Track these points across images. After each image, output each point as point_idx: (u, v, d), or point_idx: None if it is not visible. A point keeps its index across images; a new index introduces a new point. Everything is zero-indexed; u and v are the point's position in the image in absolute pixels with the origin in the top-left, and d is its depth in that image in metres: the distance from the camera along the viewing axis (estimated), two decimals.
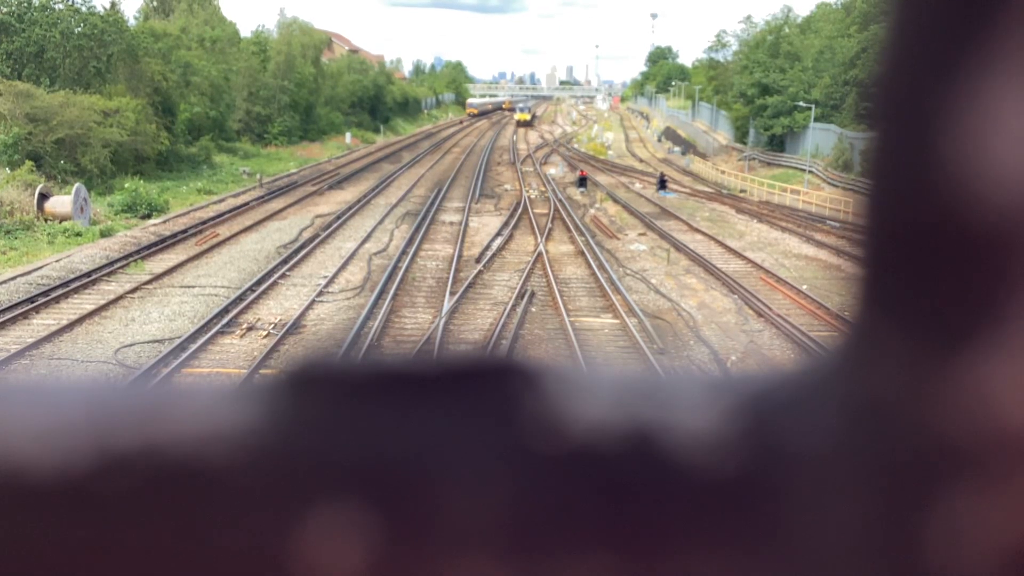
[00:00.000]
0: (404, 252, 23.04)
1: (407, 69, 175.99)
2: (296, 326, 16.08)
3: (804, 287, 19.51)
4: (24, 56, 39.35)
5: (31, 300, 16.97)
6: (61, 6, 40.68)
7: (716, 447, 0.31)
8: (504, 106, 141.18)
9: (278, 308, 17.53)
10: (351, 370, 0.32)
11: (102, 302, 17.31)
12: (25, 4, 39.84)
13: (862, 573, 0.28)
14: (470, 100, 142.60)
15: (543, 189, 38.49)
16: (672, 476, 0.31)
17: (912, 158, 0.26)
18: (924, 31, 0.26)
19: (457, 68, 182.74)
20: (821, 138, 48.77)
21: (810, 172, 45.28)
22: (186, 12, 61.42)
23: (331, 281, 19.82)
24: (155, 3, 63.77)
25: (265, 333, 15.69)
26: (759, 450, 0.31)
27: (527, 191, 37.25)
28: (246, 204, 31.09)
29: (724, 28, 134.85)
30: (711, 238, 26.64)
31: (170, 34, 50.77)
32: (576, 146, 72.95)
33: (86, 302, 17.46)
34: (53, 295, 17.49)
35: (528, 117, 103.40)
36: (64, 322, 15.78)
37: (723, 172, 51.53)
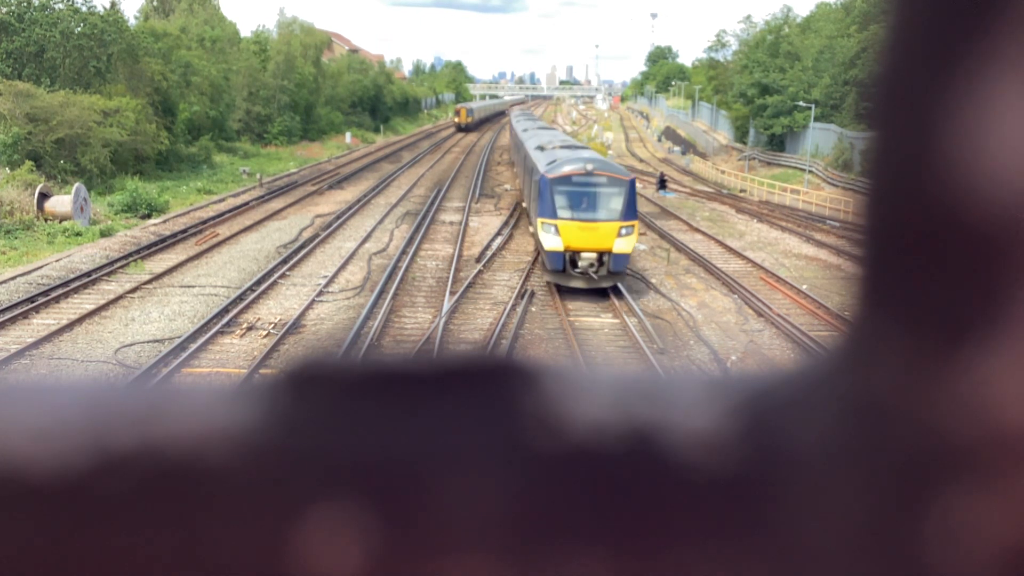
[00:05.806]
0: (404, 252, 23.03)
1: (407, 69, 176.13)
2: (296, 326, 16.07)
3: (804, 287, 19.50)
4: (24, 56, 39.33)
5: (31, 300, 16.96)
6: (61, 6, 40.65)
7: (716, 446, 0.31)
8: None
9: (278, 308, 17.52)
10: (351, 370, 0.32)
11: (102, 302, 17.30)
12: (25, 4, 39.82)
13: (861, 572, 0.28)
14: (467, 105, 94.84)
15: None
16: (672, 475, 0.31)
17: (912, 157, 0.26)
18: (923, 31, 0.26)
19: (457, 68, 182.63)
20: (821, 138, 48.76)
21: (810, 172, 45.27)
22: (186, 12, 61.46)
23: (331, 281, 19.81)
24: (155, 3, 63.81)
25: (265, 333, 15.69)
26: (759, 449, 0.31)
27: None
28: (246, 204, 31.07)
29: (724, 28, 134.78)
30: (711, 238, 26.64)
31: (170, 34, 50.76)
32: None
33: (86, 302, 17.46)
34: (53, 295, 17.47)
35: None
36: (64, 322, 15.77)
37: (723, 172, 51.52)
